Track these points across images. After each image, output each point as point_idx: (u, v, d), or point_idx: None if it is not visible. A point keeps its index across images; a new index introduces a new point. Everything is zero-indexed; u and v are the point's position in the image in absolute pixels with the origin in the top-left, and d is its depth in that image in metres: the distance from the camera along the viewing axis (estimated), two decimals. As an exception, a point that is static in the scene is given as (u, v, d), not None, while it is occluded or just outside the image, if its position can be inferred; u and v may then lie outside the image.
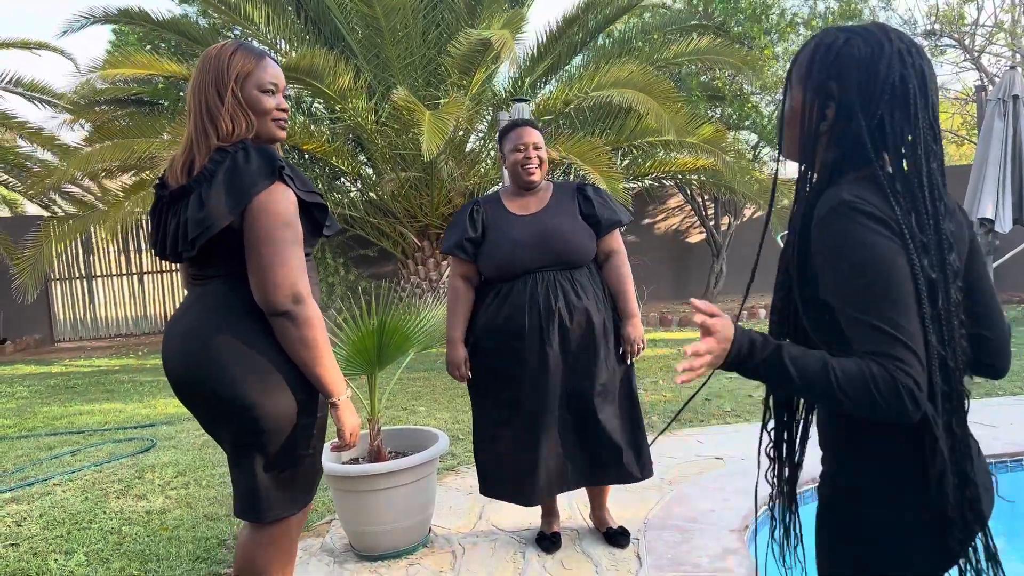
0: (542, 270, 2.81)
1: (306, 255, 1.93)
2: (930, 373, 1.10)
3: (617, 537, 3.02)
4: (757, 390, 5.86)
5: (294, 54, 8.44)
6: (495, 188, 9.93)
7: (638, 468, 2.90)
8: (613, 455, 2.86)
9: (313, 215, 1.93)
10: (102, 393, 7.48)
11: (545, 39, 9.96)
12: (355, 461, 3.20)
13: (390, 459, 3.09)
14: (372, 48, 9.38)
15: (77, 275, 12.55)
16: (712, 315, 1.14)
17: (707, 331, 1.13)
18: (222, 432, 1.95)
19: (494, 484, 2.92)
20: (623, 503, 3.28)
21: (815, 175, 1.22)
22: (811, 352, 1.12)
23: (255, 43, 10.25)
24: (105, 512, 3.85)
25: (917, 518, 1.13)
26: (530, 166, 2.86)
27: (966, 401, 1.16)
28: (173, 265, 12.85)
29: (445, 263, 10.27)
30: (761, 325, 9.95)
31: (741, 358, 1.13)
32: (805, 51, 1.25)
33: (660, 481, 3.66)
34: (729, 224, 12.37)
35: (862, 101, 1.16)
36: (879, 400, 1.06)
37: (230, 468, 2.01)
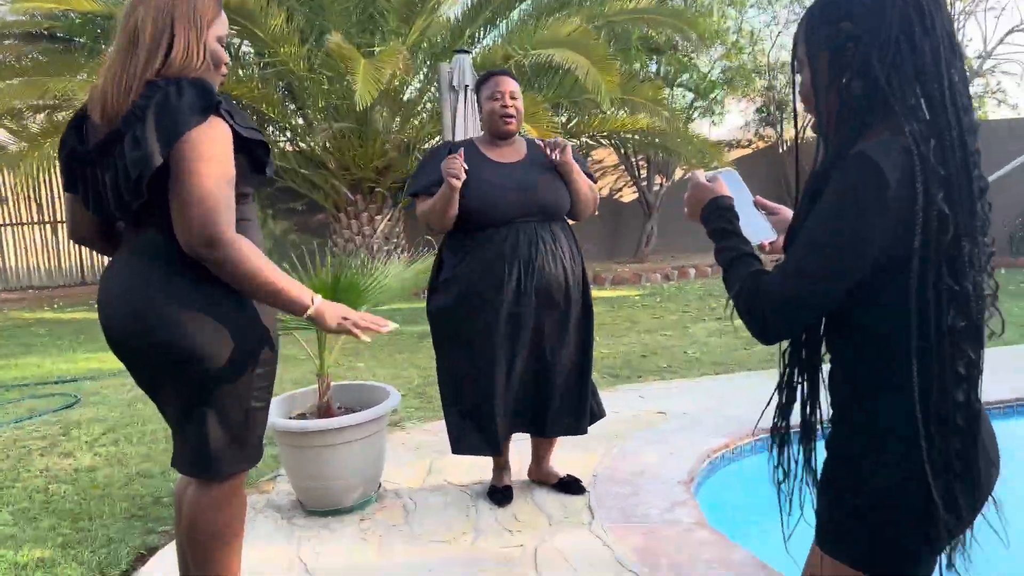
0: (523, 220, 2.78)
1: (245, 194, 1.84)
2: (938, 320, 1.10)
3: (571, 485, 3.06)
4: (692, 347, 5.99)
5: (222, -7, 8.01)
6: (435, 141, 9.75)
7: (586, 422, 3.00)
8: (567, 407, 2.93)
9: (254, 153, 1.81)
10: (18, 347, 7.12)
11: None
12: (302, 417, 3.12)
13: (339, 415, 3.03)
14: (306, -10, 9.01)
15: (-17, 223, 11.83)
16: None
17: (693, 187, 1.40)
18: (168, 388, 1.85)
19: (465, 440, 2.89)
20: (569, 458, 3.31)
21: (836, 134, 1.19)
22: (744, 244, 1.28)
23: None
24: (29, 471, 3.67)
25: (906, 488, 1.13)
26: (507, 114, 2.83)
27: (979, 369, 1.17)
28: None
29: (379, 217, 10.08)
30: (690, 284, 10.16)
31: (704, 218, 1.37)
32: (805, 17, 1.24)
33: (604, 435, 3.70)
34: (661, 185, 12.51)
35: (875, 32, 1.14)
36: (733, 297, 1.22)
37: (175, 426, 1.92)
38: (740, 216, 1.35)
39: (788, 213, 1.48)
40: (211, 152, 1.66)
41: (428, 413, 4.34)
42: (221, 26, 1.81)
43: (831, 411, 1.25)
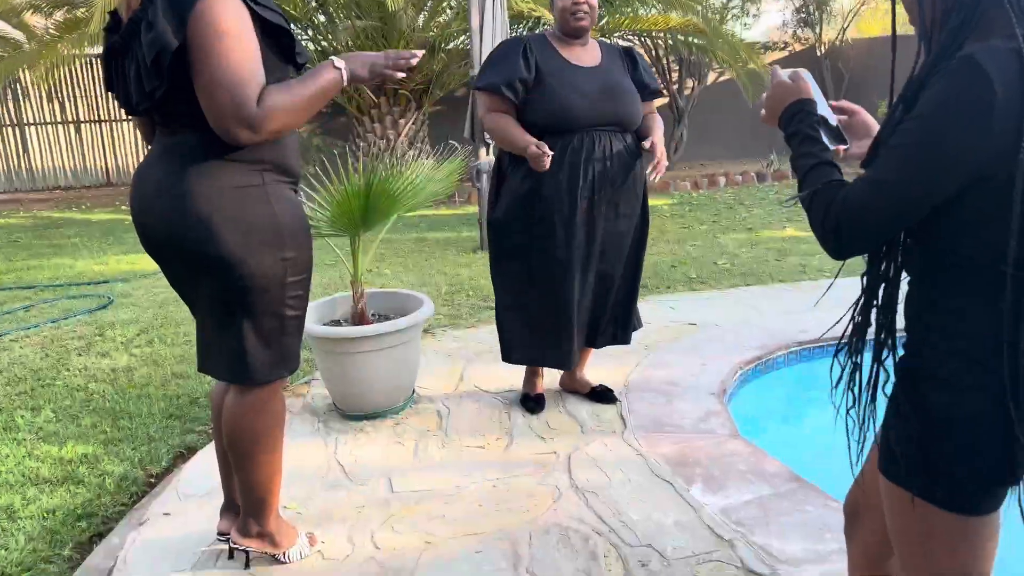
0: (598, 128, 2.66)
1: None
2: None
3: (604, 394, 3.07)
4: (721, 258, 5.91)
5: None
6: (462, 39, 9.46)
7: (631, 332, 3.03)
8: (617, 318, 2.96)
9: (281, 41, 1.71)
10: (49, 248, 7.18)
11: None
12: (336, 323, 3.13)
13: (373, 322, 3.02)
14: None
15: (7, 122, 11.77)
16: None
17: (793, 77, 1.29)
18: (202, 291, 1.83)
19: (527, 351, 2.89)
20: (602, 367, 3.31)
21: (939, 34, 1.09)
22: (825, 151, 1.20)
23: None
24: (68, 369, 3.74)
25: (985, 416, 1.08)
26: (580, 12, 2.67)
27: None
28: (113, 114, 12.15)
29: (403, 120, 9.90)
30: (720, 193, 9.98)
31: (784, 121, 1.28)
32: None
33: (636, 345, 3.69)
34: (692, 89, 12.13)
35: None
36: (807, 206, 1.15)
37: (209, 331, 1.90)
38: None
39: (865, 116, 1.39)
40: (226, 26, 1.56)
41: (457, 320, 4.34)
42: None
43: (906, 333, 1.19)
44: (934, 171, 1.02)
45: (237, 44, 1.57)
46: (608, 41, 2.88)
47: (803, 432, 3.24)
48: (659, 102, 12.17)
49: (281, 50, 1.73)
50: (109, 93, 1.79)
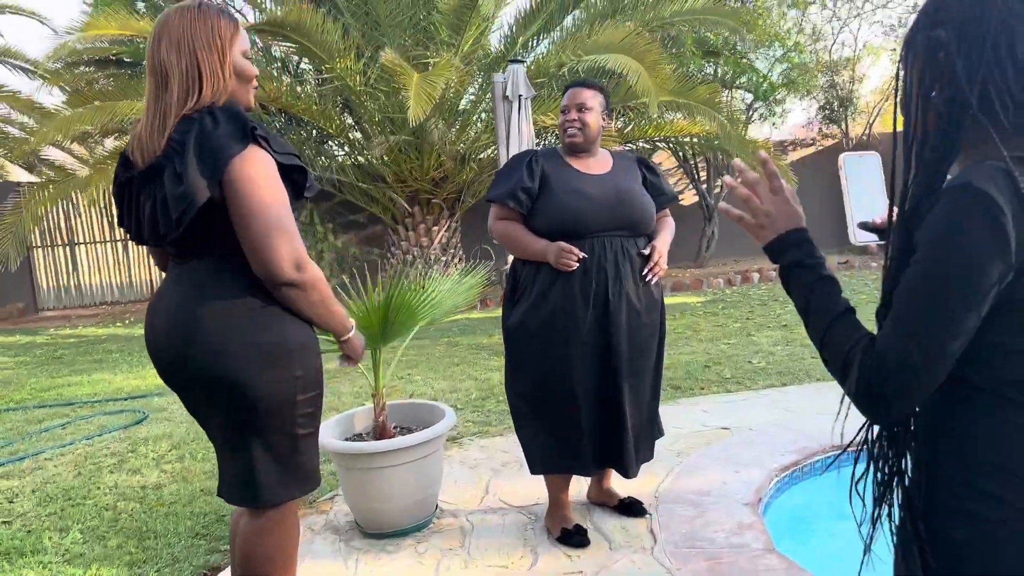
0: (607, 233, 2.67)
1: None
2: None
3: (633, 507, 2.96)
4: (756, 356, 5.81)
5: (279, 11, 8.17)
6: (489, 151, 9.76)
7: (653, 447, 2.90)
8: (645, 437, 2.82)
9: (292, 178, 1.82)
10: (90, 363, 7.35)
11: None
12: (359, 437, 3.11)
13: (396, 435, 3.00)
14: (361, 5, 9.12)
15: (60, 242, 12.31)
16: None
17: (776, 189, 1.21)
18: (215, 414, 1.85)
19: (548, 460, 2.77)
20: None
21: (926, 151, 1.09)
22: (837, 294, 1.13)
23: (237, 0, 9.97)
24: (99, 487, 3.75)
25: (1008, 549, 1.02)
26: (571, 128, 2.75)
27: None
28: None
29: (436, 228, 10.13)
30: (754, 289, 9.91)
31: (784, 244, 1.18)
32: (915, 17, 1.13)
33: (667, 452, 3.60)
34: (721, 188, 12.26)
35: (966, 42, 1.03)
36: (839, 375, 1.08)
37: (221, 455, 1.91)
38: (856, 198, 1.25)
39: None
40: (265, 178, 1.69)
41: (486, 428, 4.29)
42: (243, 41, 1.82)
43: (913, 465, 1.13)
44: (971, 308, 0.98)
45: (279, 193, 1.71)
46: (622, 150, 2.93)
47: (844, 544, 3.07)
48: (688, 200, 12.36)
49: (293, 186, 1.83)
50: (120, 228, 1.90)
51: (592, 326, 2.65)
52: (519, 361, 2.77)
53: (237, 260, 1.75)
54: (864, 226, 1.32)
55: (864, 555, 1.22)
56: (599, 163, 2.81)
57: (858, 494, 1.23)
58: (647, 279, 2.71)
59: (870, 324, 1.15)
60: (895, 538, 1.19)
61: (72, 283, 12.41)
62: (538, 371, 2.72)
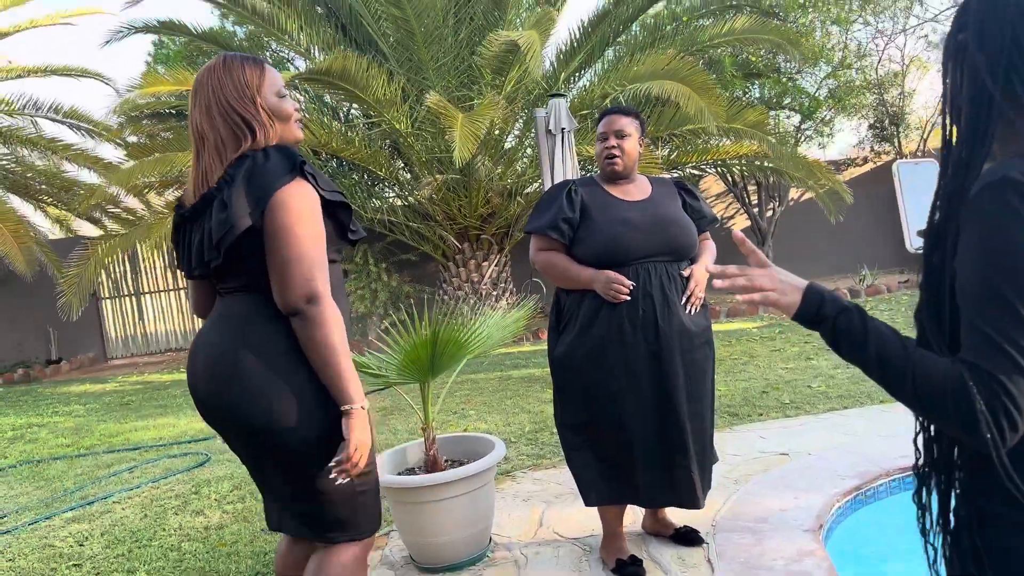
0: (651, 259, 2.66)
1: (332, 261, 1.83)
2: None
3: (689, 536, 2.91)
4: (815, 380, 5.68)
5: (326, 60, 8.45)
6: (535, 185, 9.84)
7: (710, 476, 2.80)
8: (708, 463, 2.75)
9: (338, 217, 1.84)
10: (155, 408, 7.57)
11: (578, 33, 9.85)
12: (411, 471, 3.14)
13: (447, 468, 3.02)
14: (404, 51, 9.37)
15: (126, 292, 12.79)
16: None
17: (761, 263, 1.19)
18: (264, 459, 1.82)
19: (600, 490, 2.72)
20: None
21: (961, 149, 1.08)
22: (892, 330, 1.07)
23: (290, 52, 10.33)
24: (164, 529, 3.85)
25: None
26: (612, 154, 2.75)
27: None
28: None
29: (486, 263, 10.22)
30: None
31: (812, 309, 1.14)
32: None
33: (724, 480, 3.53)
34: (774, 210, 12.10)
35: (985, 40, 1.03)
36: (952, 415, 0.97)
37: (280, 495, 1.88)
38: (911, 205, 1.21)
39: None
40: (303, 212, 1.71)
41: (539, 460, 4.27)
42: (274, 81, 1.84)
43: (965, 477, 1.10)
44: None
45: (312, 228, 1.72)
46: (661, 176, 2.93)
47: (909, 569, 2.96)
48: (740, 225, 12.18)
49: (338, 226, 1.85)
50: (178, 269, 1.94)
51: (644, 354, 2.62)
52: (567, 391, 2.75)
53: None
54: (921, 233, 1.29)
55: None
56: (639, 189, 2.81)
57: (922, 512, 1.20)
58: (686, 309, 2.68)
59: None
60: (949, 550, 1.16)
61: (139, 331, 12.85)
62: (587, 401, 2.69)
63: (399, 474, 3.05)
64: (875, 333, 1.07)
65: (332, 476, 1.73)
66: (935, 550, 1.16)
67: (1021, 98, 1.02)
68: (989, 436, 0.95)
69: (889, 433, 3.94)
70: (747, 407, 5.05)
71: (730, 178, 11.81)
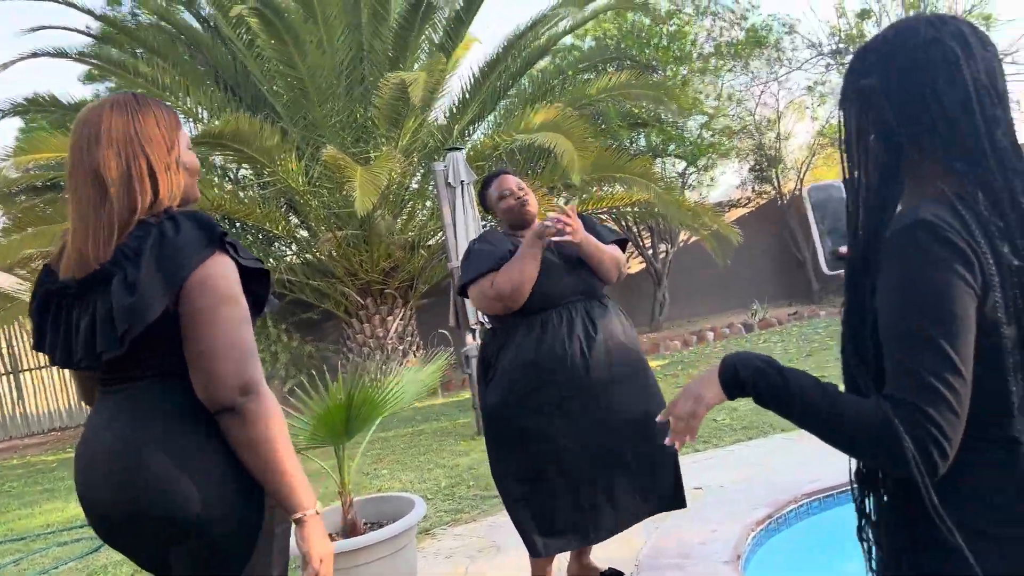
0: (573, 300, 2.74)
1: None
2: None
3: (615, 580, 2.92)
4: (720, 414, 5.86)
5: (217, 123, 8.29)
6: (437, 237, 9.88)
7: (681, 493, 2.82)
8: (663, 481, 2.77)
9: (252, 289, 1.57)
10: (41, 493, 7.03)
11: (470, 86, 10.07)
12: (329, 538, 3.02)
13: (366, 531, 2.93)
14: (298, 110, 9.33)
15: (3, 371, 11.93)
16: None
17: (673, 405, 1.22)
18: (179, 563, 1.52)
19: (552, 536, 2.68)
20: (610, 544, 3.15)
21: (868, 188, 1.13)
22: (812, 379, 1.09)
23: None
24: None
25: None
26: (524, 199, 2.87)
27: None
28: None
29: (391, 318, 10.13)
30: (709, 348, 10.05)
31: (734, 385, 1.15)
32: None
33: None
34: (667, 252, 12.55)
35: (894, 87, 1.09)
36: (882, 453, 1.00)
37: None
38: (824, 229, 1.28)
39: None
40: (228, 292, 1.48)
41: (458, 515, 4.21)
42: (183, 131, 1.63)
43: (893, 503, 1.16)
44: (964, 324, 1.00)
45: (238, 310, 1.49)
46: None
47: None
48: (636, 267, 12.55)
49: (252, 297, 1.58)
50: (38, 352, 1.58)
51: (577, 392, 2.64)
52: (502, 441, 2.75)
53: (187, 381, 1.49)
54: (835, 254, 1.37)
55: None
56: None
57: (861, 535, 1.24)
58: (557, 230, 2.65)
59: (818, 370, 1.18)
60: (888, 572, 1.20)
61: (18, 411, 11.96)
62: (524, 447, 2.69)
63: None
64: (797, 386, 1.08)
65: None
66: (874, 572, 1.20)
67: (925, 144, 1.09)
68: (917, 469, 0.98)
69: (794, 461, 4.09)
70: (658, 445, 5.14)
71: (624, 223, 12.21)
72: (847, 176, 1.16)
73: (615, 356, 2.71)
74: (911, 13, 10.92)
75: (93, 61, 9.71)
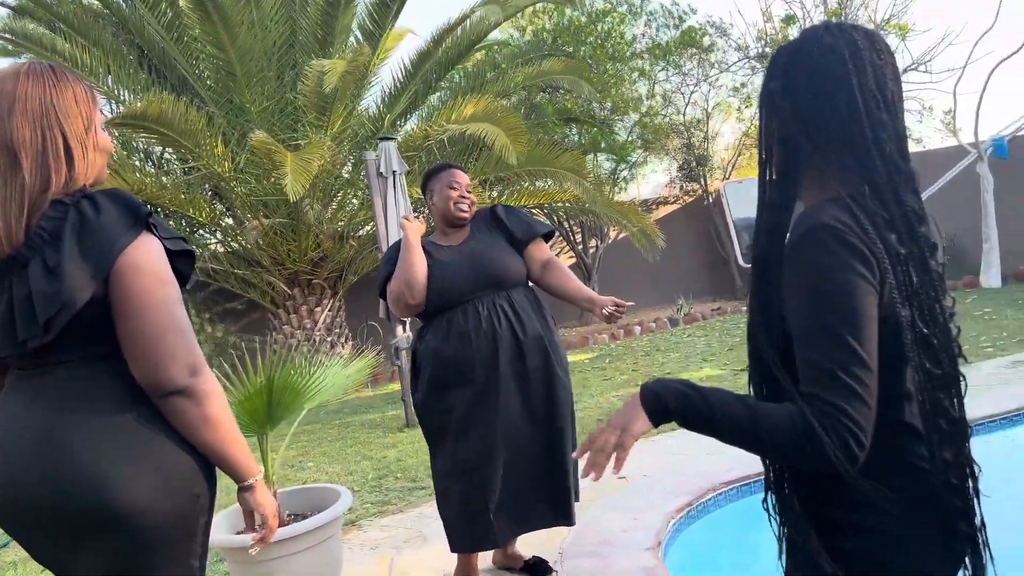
0: (479, 295, 2.75)
1: None
2: (923, 390, 1.09)
3: (538, 567, 2.97)
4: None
5: (140, 103, 8.00)
6: (368, 227, 9.77)
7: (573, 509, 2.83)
8: (568, 493, 2.78)
9: (177, 266, 1.53)
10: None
11: (402, 76, 9.99)
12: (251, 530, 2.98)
13: (290, 522, 2.90)
14: (225, 94, 9.09)
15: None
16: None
17: (593, 439, 1.22)
18: (92, 558, 1.44)
19: (463, 537, 2.74)
20: (534, 536, 3.20)
21: (771, 187, 1.19)
22: (732, 395, 1.12)
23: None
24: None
25: (887, 552, 1.12)
26: (464, 205, 2.86)
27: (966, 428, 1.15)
28: None
29: (319, 309, 9.98)
30: (636, 341, 10.24)
31: (658, 413, 1.16)
32: None
33: (568, 508, 3.64)
34: (596, 247, 12.72)
35: (793, 91, 1.15)
36: (806, 453, 1.04)
37: None
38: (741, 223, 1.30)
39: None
40: (161, 273, 1.44)
41: (384, 507, 4.20)
42: (98, 107, 1.56)
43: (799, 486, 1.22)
44: (867, 319, 1.05)
45: (174, 290, 1.47)
46: (477, 211, 3.00)
47: (738, 573, 3.19)
48: (567, 262, 12.70)
49: (179, 276, 1.54)
50: None
51: (483, 390, 2.68)
52: (429, 437, 2.81)
53: (113, 364, 1.45)
54: (751, 249, 1.42)
55: None
56: (461, 234, 2.93)
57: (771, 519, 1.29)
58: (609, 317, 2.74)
59: (739, 363, 1.23)
60: (788, 557, 1.26)
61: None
62: (443, 444, 2.75)
63: (238, 533, 2.89)
64: (719, 406, 1.11)
65: (253, 551, 1.64)
66: (785, 554, 1.26)
67: (822, 145, 1.15)
68: (839, 462, 1.03)
69: (714, 450, 4.20)
70: (583, 436, 5.22)
71: (556, 219, 12.32)
72: (760, 174, 1.22)
73: (528, 350, 2.73)
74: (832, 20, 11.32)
75: (6, 36, 9.23)
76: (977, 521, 1.15)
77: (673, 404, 1.14)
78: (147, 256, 1.43)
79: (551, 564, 2.99)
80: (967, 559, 1.15)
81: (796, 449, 1.05)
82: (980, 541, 1.15)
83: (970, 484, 1.15)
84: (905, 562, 1.11)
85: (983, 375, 5.39)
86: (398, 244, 2.90)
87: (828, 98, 1.13)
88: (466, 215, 2.87)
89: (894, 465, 1.12)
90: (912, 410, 1.12)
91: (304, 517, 2.98)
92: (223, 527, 2.87)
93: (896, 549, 1.11)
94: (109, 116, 8.46)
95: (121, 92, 9.12)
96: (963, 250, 10.95)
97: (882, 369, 1.07)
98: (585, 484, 3.94)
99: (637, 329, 10.93)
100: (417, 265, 2.72)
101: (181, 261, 1.55)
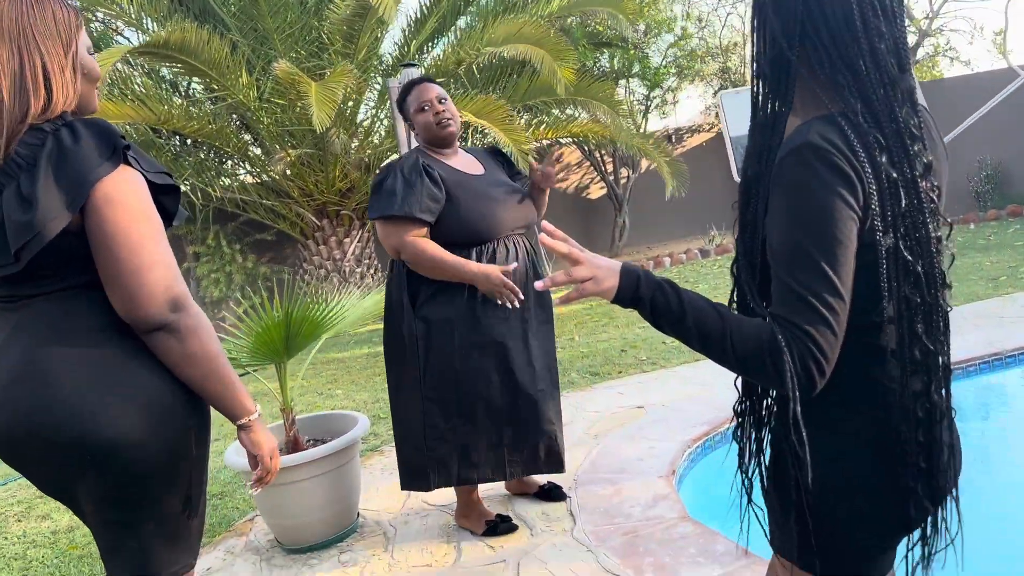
0: (513, 233, 2.68)
1: None
2: (901, 322, 1.06)
3: (552, 492, 3.01)
4: (669, 337, 5.96)
5: (163, 32, 7.93)
6: (393, 157, 9.71)
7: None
8: (558, 442, 2.79)
9: (161, 201, 1.49)
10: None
11: (429, 1, 9.75)
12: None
13: (308, 447, 2.97)
14: (248, 21, 8.96)
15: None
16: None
17: (575, 260, 1.14)
18: (87, 491, 1.44)
19: (470, 466, 2.66)
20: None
21: (765, 109, 1.14)
22: (706, 300, 1.10)
23: (119, 23, 9.62)
24: (7, 538, 3.59)
25: (871, 483, 1.10)
26: (445, 120, 2.65)
27: (942, 358, 1.12)
28: None
29: (347, 240, 10.02)
30: (667, 272, 10.16)
31: (629, 292, 1.12)
32: None
33: (585, 436, 3.68)
34: (628, 177, 12.52)
35: (781, 4, 1.10)
36: (768, 370, 1.03)
37: (103, 535, 1.50)
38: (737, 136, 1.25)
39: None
40: (139, 207, 1.40)
41: (408, 433, 4.28)
42: (85, 35, 1.49)
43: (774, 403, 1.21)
44: (845, 244, 1.03)
45: (153, 226, 1.41)
46: (473, 147, 2.90)
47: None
48: (596, 193, 12.55)
49: (163, 212, 1.50)
50: None
51: (510, 329, 2.62)
52: (428, 372, 2.63)
53: (94, 295, 1.42)
54: None
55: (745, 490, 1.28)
56: (469, 160, 2.78)
57: (740, 448, 1.28)
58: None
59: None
60: (766, 481, 1.26)
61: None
62: (452, 378, 2.61)
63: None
64: (691, 306, 1.09)
65: (252, 491, 1.61)
66: (750, 482, 1.26)
67: (814, 62, 1.09)
68: (794, 382, 1.02)
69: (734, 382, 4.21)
70: (608, 366, 5.25)
71: (586, 148, 12.11)
72: (752, 90, 1.17)
73: (544, 298, 2.72)
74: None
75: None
76: (943, 463, 1.12)
77: (646, 292, 1.12)
78: (124, 187, 1.38)
79: (565, 490, 3.03)
80: (922, 501, 1.11)
81: (758, 364, 1.04)
82: (940, 486, 1.13)
83: (942, 424, 1.12)
84: (849, 480, 1.11)
85: (1019, 306, 5.27)
86: (389, 178, 2.62)
87: (820, 8, 1.07)
88: (453, 129, 2.68)
89: (860, 386, 1.11)
90: (888, 336, 1.09)
91: (323, 442, 3.05)
92: (243, 452, 2.95)
93: (847, 469, 1.12)
94: (133, 45, 8.42)
95: (145, 20, 9.04)
96: (1009, 177, 10.57)
97: (863, 296, 1.05)
98: (602, 416, 4.00)
99: (667, 260, 10.83)
100: (440, 277, 2.58)
101: (168, 198, 1.51)
